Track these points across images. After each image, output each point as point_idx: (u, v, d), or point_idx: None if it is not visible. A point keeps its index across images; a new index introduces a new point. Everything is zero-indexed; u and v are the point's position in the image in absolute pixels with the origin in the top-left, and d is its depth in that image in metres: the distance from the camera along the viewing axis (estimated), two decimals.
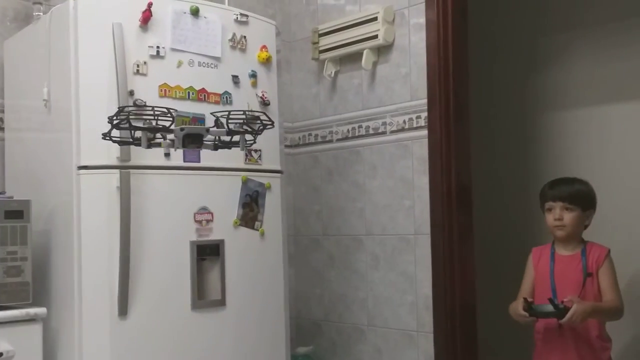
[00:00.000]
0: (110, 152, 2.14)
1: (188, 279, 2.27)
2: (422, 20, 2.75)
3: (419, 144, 2.77)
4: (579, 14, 3.36)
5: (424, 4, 2.74)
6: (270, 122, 1.92)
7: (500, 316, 2.58)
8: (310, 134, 3.17)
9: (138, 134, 1.82)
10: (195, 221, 2.30)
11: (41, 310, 2.11)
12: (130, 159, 2.15)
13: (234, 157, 2.38)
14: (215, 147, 1.95)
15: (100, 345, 2.11)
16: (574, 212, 2.45)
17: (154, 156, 2.22)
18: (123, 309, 2.13)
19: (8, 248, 2.09)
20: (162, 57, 2.26)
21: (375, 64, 2.92)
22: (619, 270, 2.48)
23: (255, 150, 2.46)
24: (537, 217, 2.63)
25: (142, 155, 2.18)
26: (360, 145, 2.99)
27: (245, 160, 2.45)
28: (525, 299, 2.39)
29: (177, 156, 2.27)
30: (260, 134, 1.96)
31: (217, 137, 1.92)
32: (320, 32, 3.07)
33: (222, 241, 2.36)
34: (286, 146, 3.08)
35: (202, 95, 2.34)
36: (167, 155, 2.23)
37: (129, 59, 2.19)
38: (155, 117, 1.78)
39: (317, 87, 3.18)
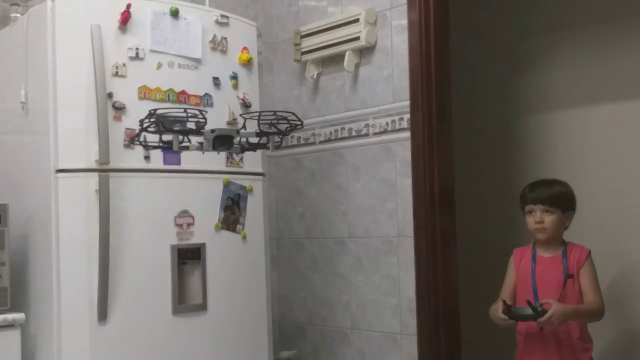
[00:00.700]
0: (89, 155, 2.12)
1: (169, 283, 2.24)
2: (404, 21, 2.75)
3: (401, 145, 2.76)
4: (560, 16, 3.38)
5: (406, 5, 2.73)
6: (299, 122, 1.90)
7: (483, 318, 2.58)
8: (292, 136, 3.16)
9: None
10: (176, 225, 2.28)
11: (19, 316, 2.08)
12: (109, 161, 2.12)
13: (215, 159, 2.37)
14: (242, 149, 1.93)
15: (79, 350, 2.09)
16: (554, 215, 2.46)
17: (134, 159, 2.20)
18: (102, 314, 2.11)
19: None
20: (142, 59, 2.24)
21: (357, 66, 2.91)
22: (600, 271, 2.49)
23: (237, 153, 2.44)
24: (519, 218, 2.64)
25: (121, 157, 2.17)
26: (343, 147, 2.98)
27: (227, 162, 2.43)
28: (504, 301, 2.39)
29: (157, 159, 2.25)
30: (288, 135, 1.94)
31: (246, 139, 1.90)
32: (302, 33, 3.06)
33: (203, 245, 2.34)
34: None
35: (182, 97, 2.32)
36: (146, 158, 2.22)
37: (108, 61, 2.16)
38: (187, 119, 1.77)
39: (299, 89, 3.17)
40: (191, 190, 2.33)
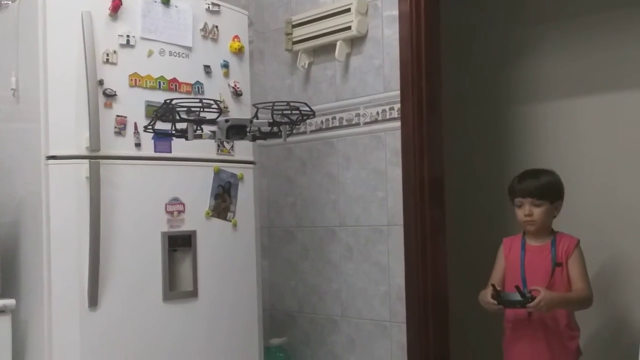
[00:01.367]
0: (80, 142, 2.12)
1: (159, 270, 2.25)
2: (395, 12, 2.76)
3: (392, 135, 2.77)
4: (550, 7, 3.39)
5: None
6: (311, 112, 1.92)
7: (471, 306, 2.60)
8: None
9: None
10: (167, 212, 2.29)
11: (10, 302, 2.09)
12: (99, 148, 2.13)
13: (206, 147, 2.37)
14: (254, 138, 1.95)
15: (70, 336, 2.10)
16: (543, 207, 2.47)
17: (124, 146, 2.20)
18: (93, 300, 2.11)
19: None
20: (133, 46, 2.24)
21: (348, 56, 2.92)
22: (588, 260, 2.52)
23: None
24: (508, 208, 2.66)
25: (112, 145, 2.17)
26: (334, 136, 2.99)
27: (218, 150, 2.44)
28: (493, 285, 2.41)
29: (148, 146, 2.25)
30: (299, 125, 1.96)
31: (258, 128, 1.92)
32: (294, 23, 3.06)
33: (194, 232, 2.35)
34: None
35: (173, 85, 2.32)
36: (137, 145, 2.23)
37: (99, 48, 2.17)
38: (202, 109, 1.78)
39: (290, 79, 3.18)
40: (182, 177, 2.34)
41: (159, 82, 2.29)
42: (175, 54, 2.34)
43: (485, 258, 2.69)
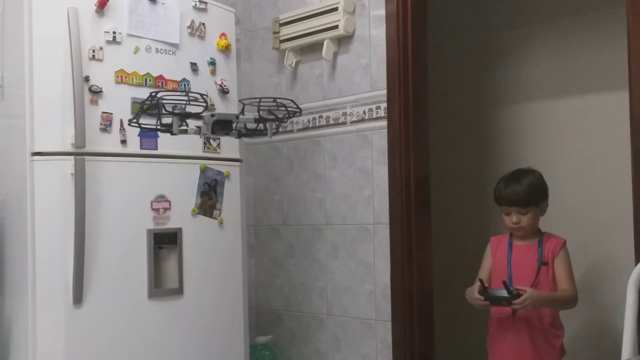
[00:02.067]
0: (65, 138, 2.12)
1: (145, 268, 2.25)
2: (382, 11, 2.77)
3: (378, 134, 2.78)
4: (534, 8, 3.41)
5: None
6: (297, 109, 1.92)
7: (456, 305, 2.62)
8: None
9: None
10: (152, 209, 2.29)
11: None
12: (85, 145, 2.12)
13: (192, 144, 2.37)
14: (240, 135, 1.94)
15: (54, 333, 2.09)
16: (530, 213, 2.48)
17: (110, 142, 2.20)
18: (78, 297, 2.11)
19: None
20: (119, 43, 2.24)
21: (335, 55, 2.93)
22: (574, 261, 2.53)
23: (214, 139, 2.45)
24: (493, 207, 2.67)
25: (97, 141, 2.17)
26: (321, 135, 3.00)
27: (204, 148, 2.44)
28: (481, 281, 2.42)
29: (134, 143, 2.25)
30: (286, 122, 1.95)
31: (244, 125, 1.91)
32: (281, 21, 3.06)
33: (179, 229, 2.35)
34: None
35: (159, 82, 2.32)
36: (123, 142, 2.22)
37: (85, 45, 2.16)
38: (188, 102, 1.77)
39: (278, 77, 3.18)
40: (168, 175, 2.34)
41: (146, 79, 2.29)
42: (161, 51, 2.34)
43: (471, 257, 2.70)
